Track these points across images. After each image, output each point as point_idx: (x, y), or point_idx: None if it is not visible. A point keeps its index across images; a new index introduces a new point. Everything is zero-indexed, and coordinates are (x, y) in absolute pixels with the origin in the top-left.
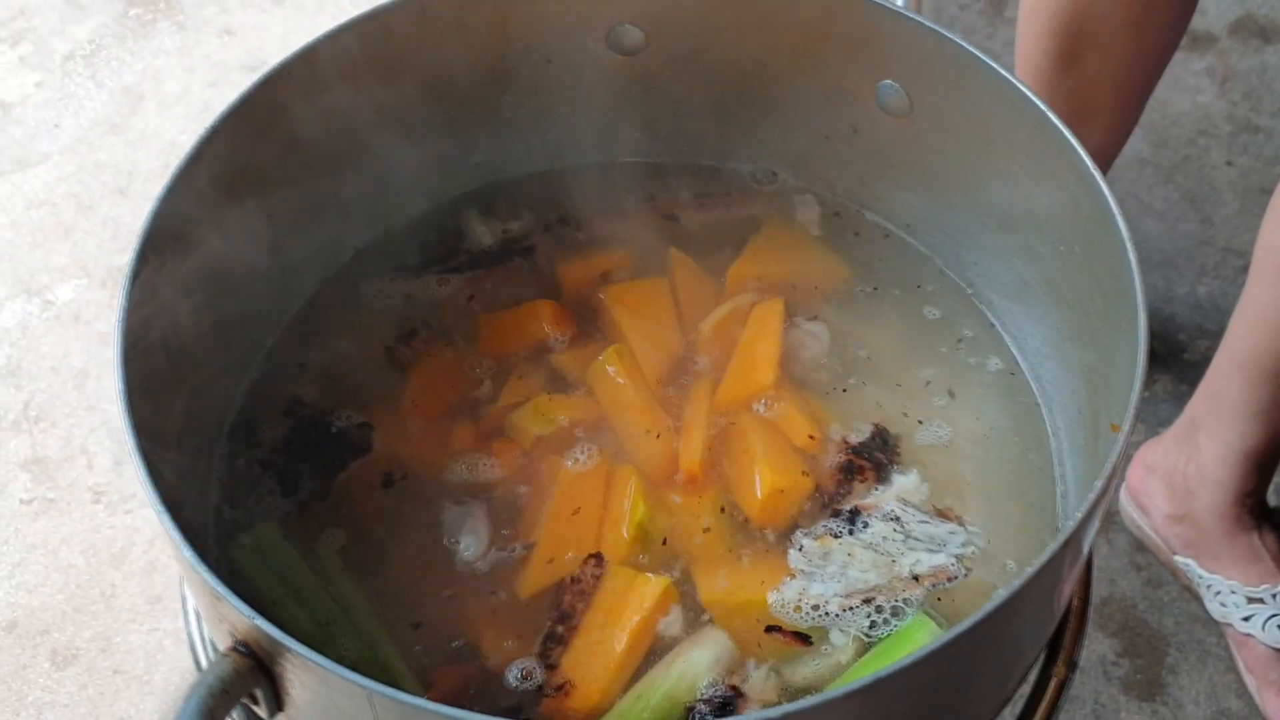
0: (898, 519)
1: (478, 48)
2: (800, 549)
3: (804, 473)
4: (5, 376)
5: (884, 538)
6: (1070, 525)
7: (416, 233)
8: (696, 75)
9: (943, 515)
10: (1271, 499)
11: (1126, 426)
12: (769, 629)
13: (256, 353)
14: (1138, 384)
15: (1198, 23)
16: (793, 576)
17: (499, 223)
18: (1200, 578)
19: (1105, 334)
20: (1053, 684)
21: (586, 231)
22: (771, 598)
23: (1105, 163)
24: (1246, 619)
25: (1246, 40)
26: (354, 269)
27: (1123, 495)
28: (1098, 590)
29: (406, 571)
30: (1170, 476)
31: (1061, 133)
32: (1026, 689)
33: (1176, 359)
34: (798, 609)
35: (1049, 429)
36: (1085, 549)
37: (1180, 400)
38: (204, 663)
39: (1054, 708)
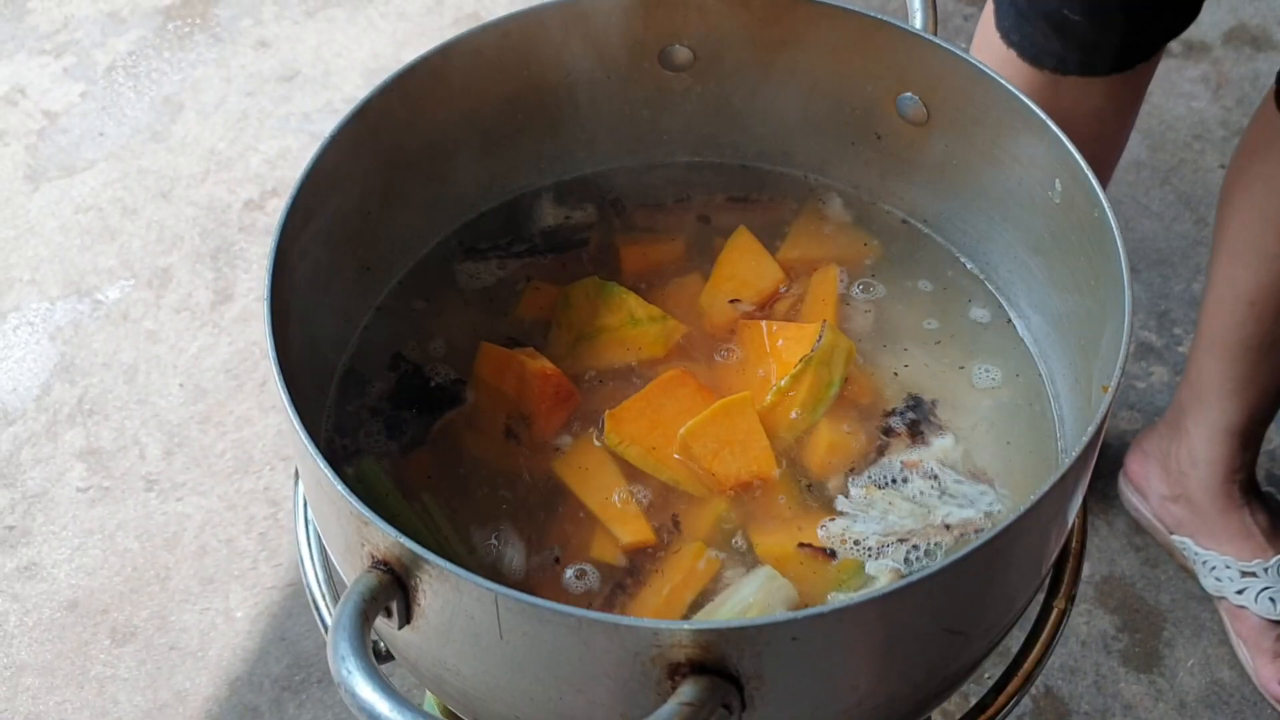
0: (936, 477)
1: (546, 65)
2: (848, 495)
3: (856, 429)
4: (60, 373)
5: (922, 492)
6: (1066, 462)
7: (502, 218)
8: (737, 88)
9: (976, 477)
10: (1263, 484)
11: (1113, 385)
12: (800, 545)
13: (366, 309)
14: (1123, 350)
15: (1193, 32)
16: (836, 517)
17: (564, 211)
18: (1196, 554)
19: (1098, 311)
20: (1054, 614)
21: (639, 222)
22: (819, 533)
23: None
24: (1240, 592)
25: (1239, 48)
26: (449, 244)
27: (1122, 481)
28: (1099, 569)
29: (488, 505)
30: (1164, 460)
31: (1059, 137)
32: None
33: (1172, 352)
34: (842, 542)
35: (1050, 397)
36: (1078, 491)
37: (1175, 391)
38: (323, 609)
39: (1055, 634)
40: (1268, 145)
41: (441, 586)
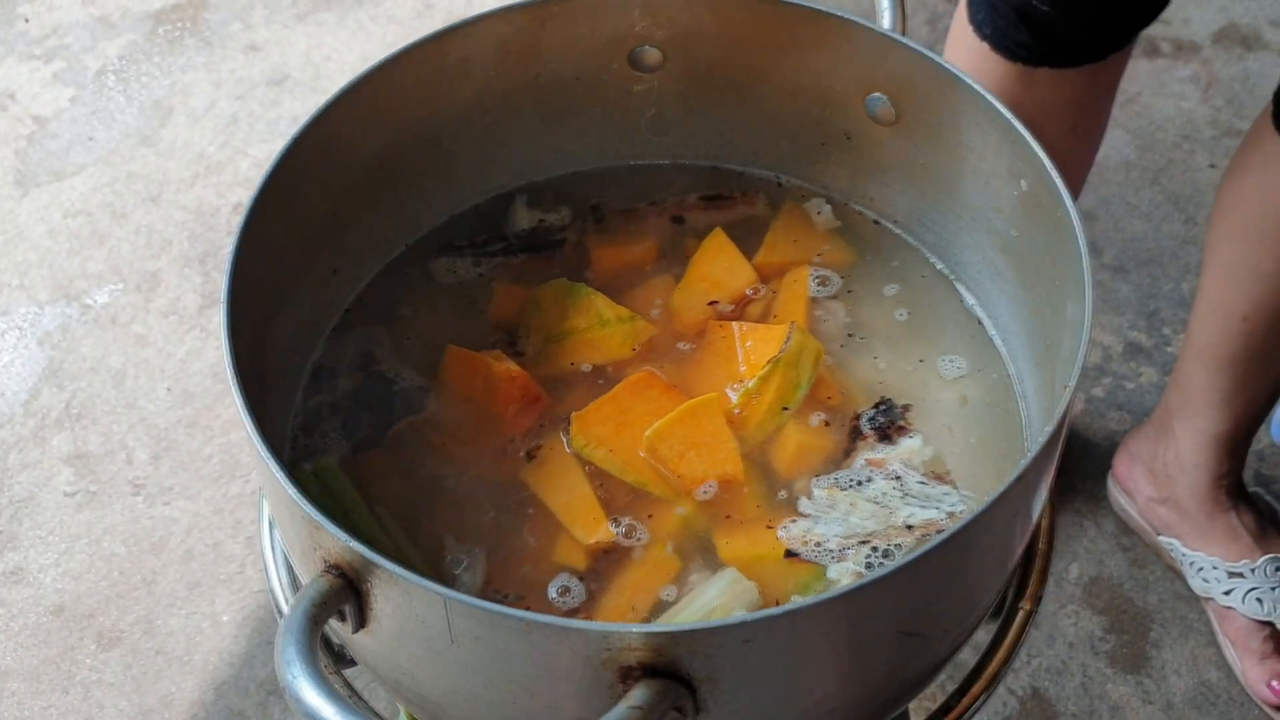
0: (899, 478)
1: (517, 67)
2: (810, 497)
3: (825, 426)
4: (48, 377)
5: (884, 493)
6: (1023, 463)
7: (476, 219)
8: (707, 89)
9: (939, 478)
10: (1251, 484)
11: (1071, 384)
12: (788, 554)
13: (339, 308)
14: (1082, 350)
15: (1182, 32)
16: (798, 519)
17: (538, 213)
18: (1183, 556)
19: (1063, 311)
20: (1020, 615)
21: (612, 223)
22: (780, 534)
23: None
24: (1227, 593)
25: (1229, 48)
26: (423, 245)
27: (1110, 482)
28: (1086, 570)
29: (450, 511)
30: (1151, 463)
31: (1024, 137)
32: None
33: (1161, 352)
34: (804, 543)
35: (1019, 397)
36: (1039, 491)
37: (1163, 391)
38: (284, 605)
39: (1020, 635)
40: (1263, 165)
41: (392, 591)
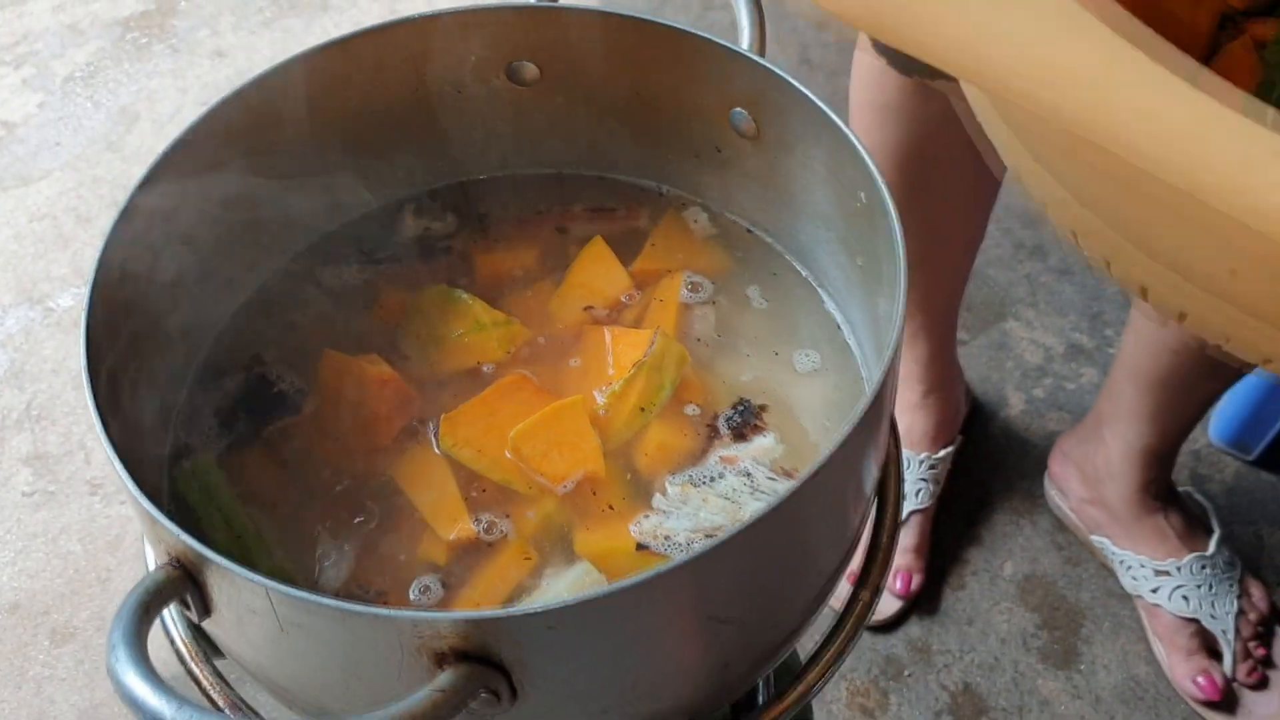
0: (749, 474)
1: (395, 81)
2: (664, 494)
3: (686, 427)
4: (9, 379)
5: (734, 489)
6: (812, 467)
7: (365, 226)
8: (584, 102)
9: (787, 474)
10: (1185, 483)
11: (878, 376)
12: (639, 547)
13: (226, 311)
14: (892, 346)
15: None
16: (651, 514)
17: (425, 221)
18: (1114, 554)
19: (891, 309)
20: (859, 606)
21: (498, 232)
22: (631, 529)
23: (965, 265)
24: (1155, 590)
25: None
26: (313, 253)
27: (1046, 480)
28: (1021, 567)
29: (321, 508)
30: (1082, 465)
31: (859, 151)
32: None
33: (1103, 354)
34: (654, 538)
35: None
36: (849, 487)
37: (1096, 399)
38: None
39: (859, 623)
40: None
41: (223, 582)
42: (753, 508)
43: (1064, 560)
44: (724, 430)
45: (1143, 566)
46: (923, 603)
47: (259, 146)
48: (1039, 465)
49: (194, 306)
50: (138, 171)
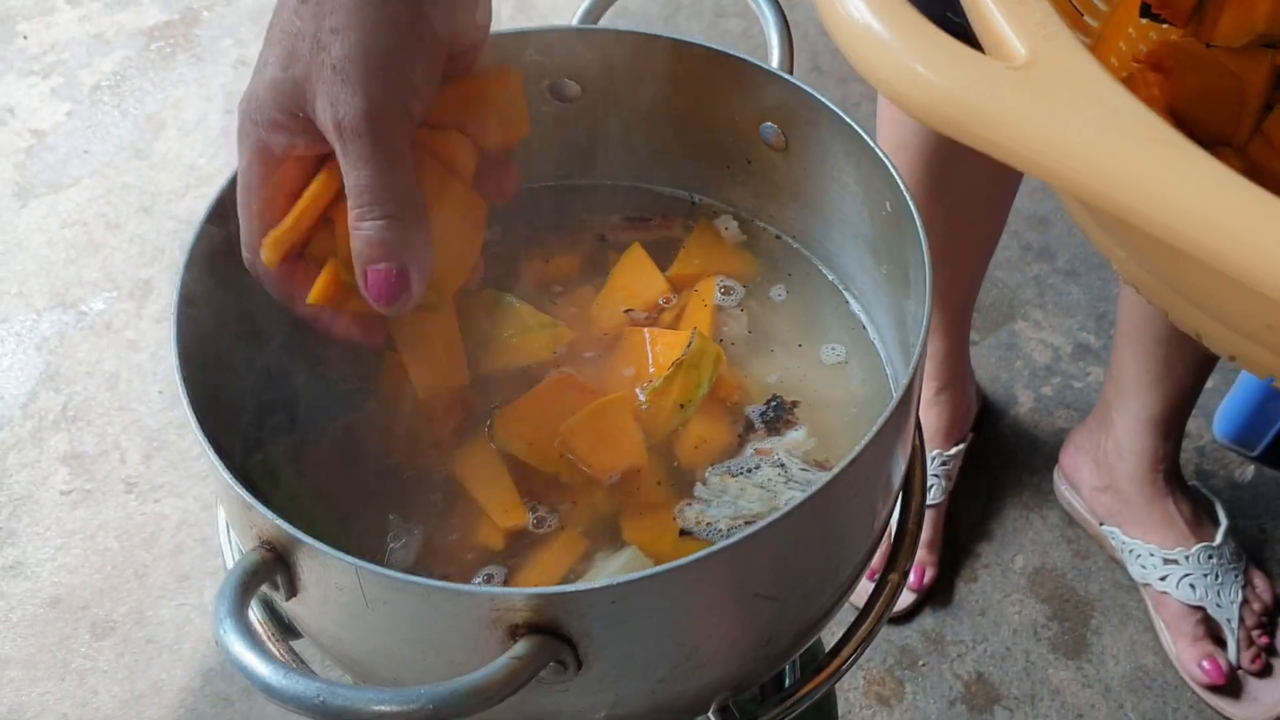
0: (784, 466)
1: None
2: (705, 483)
3: (723, 421)
4: (45, 381)
5: (771, 479)
6: (851, 454)
7: None
8: (622, 117)
9: (820, 465)
10: (1191, 478)
11: (907, 373)
12: (683, 533)
13: (288, 317)
14: (919, 345)
15: None
16: (694, 502)
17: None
18: (1123, 544)
19: (918, 309)
20: (888, 586)
21: (542, 240)
22: (675, 517)
23: (984, 261)
24: (1163, 579)
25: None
26: None
27: (1056, 475)
28: (1031, 560)
29: (386, 498)
30: (1094, 453)
31: (885, 163)
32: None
33: (1109, 352)
34: (697, 524)
35: (893, 393)
36: (882, 475)
37: (1103, 386)
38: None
39: (889, 604)
40: None
41: (313, 563)
42: (787, 496)
43: (1073, 553)
44: (758, 424)
45: (1151, 555)
46: (936, 595)
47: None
48: (1048, 461)
49: (262, 308)
50: (164, 178)
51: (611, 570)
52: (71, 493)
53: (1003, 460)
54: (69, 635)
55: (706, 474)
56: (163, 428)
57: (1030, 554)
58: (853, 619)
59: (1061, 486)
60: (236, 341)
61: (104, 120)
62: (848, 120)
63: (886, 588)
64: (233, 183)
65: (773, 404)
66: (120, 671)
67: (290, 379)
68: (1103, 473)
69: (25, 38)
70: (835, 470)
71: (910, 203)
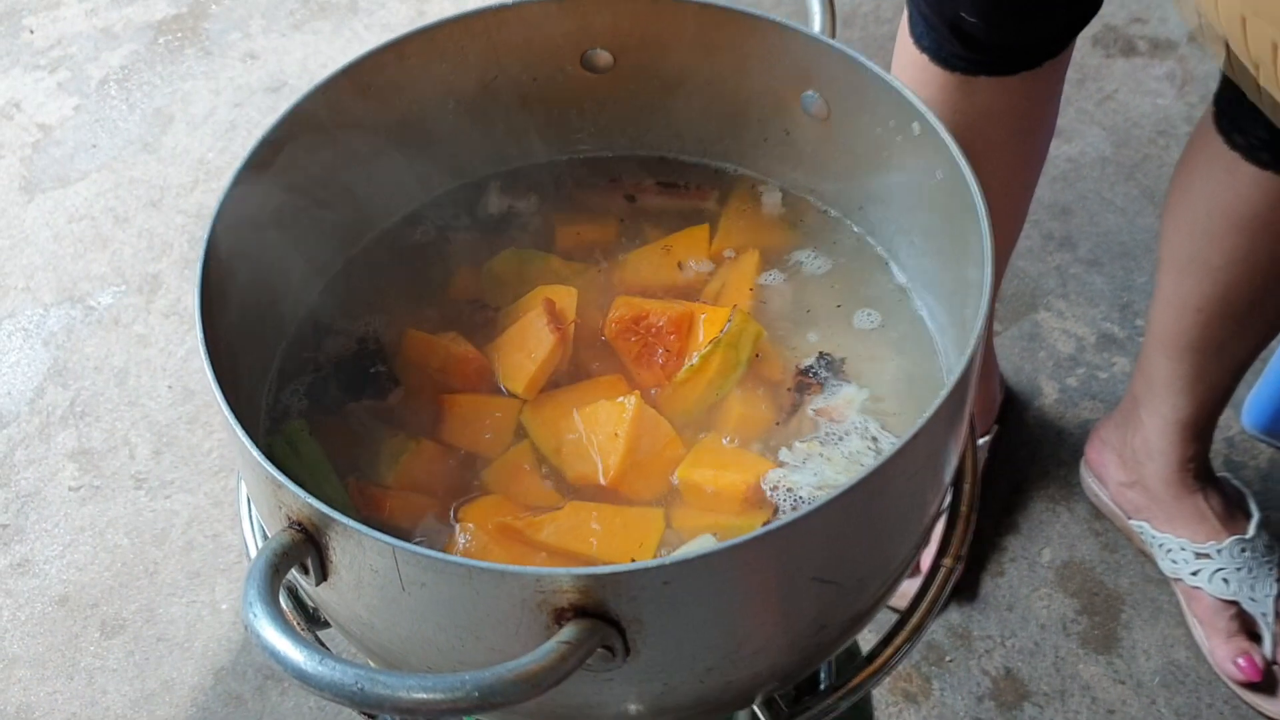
0: (875, 439)
1: (475, 68)
2: (791, 449)
3: (765, 401)
4: (53, 376)
5: (858, 451)
6: (912, 430)
7: (455, 201)
8: (656, 87)
9: None
10: (1220, 469)
11: (970, 349)
12: (759, 503)
13: (310, 291)
14: (983, 311)
15: (1159, 30)
16: (777, 467)
17: (510, 199)
18: (1153, 538)
19: (969, 281)
20: (942, 571)
21: (576, 206)
22: (757, 479)
23: (1007, 250)
24: (1195, 573)
25: (1204, 46)
26: (398, 229)
27: (1082, 467)
28: (1059, 554)
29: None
30: (1120, 449)
31: (939, 131)
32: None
33: (1134, 343)
34: (775, 489)
35: (943, 370)
36: (946, 453)
37: (1130, 381)
38: (254, 549)
39: (942, 590)
40: (1207, 164)
41: (347, 543)
42: None
43: (1101, 546)
44: (812, 379)
45: (1183, 549)
46: (963, 590)
47: (351, 131)
48: (1074, 453)
49: (285, 288)
50: (173, 172)
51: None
52: (80, 489)
53: (1028, 452)
54: (78, 634)
55: (794, 442)
56: (172, 423)
57: (1058, 547)
58: (893, 621)
59: (1088, 480)
60: (259, 315)
61: (112, 114)
62: (896, 86)
63: (940, 573)
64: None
65: (822, 360)
66: (130, 670)
67: (310, 355)
68: (1130, 469)
69: (31, 32)
70: (901, 442)
71: (966, 170)
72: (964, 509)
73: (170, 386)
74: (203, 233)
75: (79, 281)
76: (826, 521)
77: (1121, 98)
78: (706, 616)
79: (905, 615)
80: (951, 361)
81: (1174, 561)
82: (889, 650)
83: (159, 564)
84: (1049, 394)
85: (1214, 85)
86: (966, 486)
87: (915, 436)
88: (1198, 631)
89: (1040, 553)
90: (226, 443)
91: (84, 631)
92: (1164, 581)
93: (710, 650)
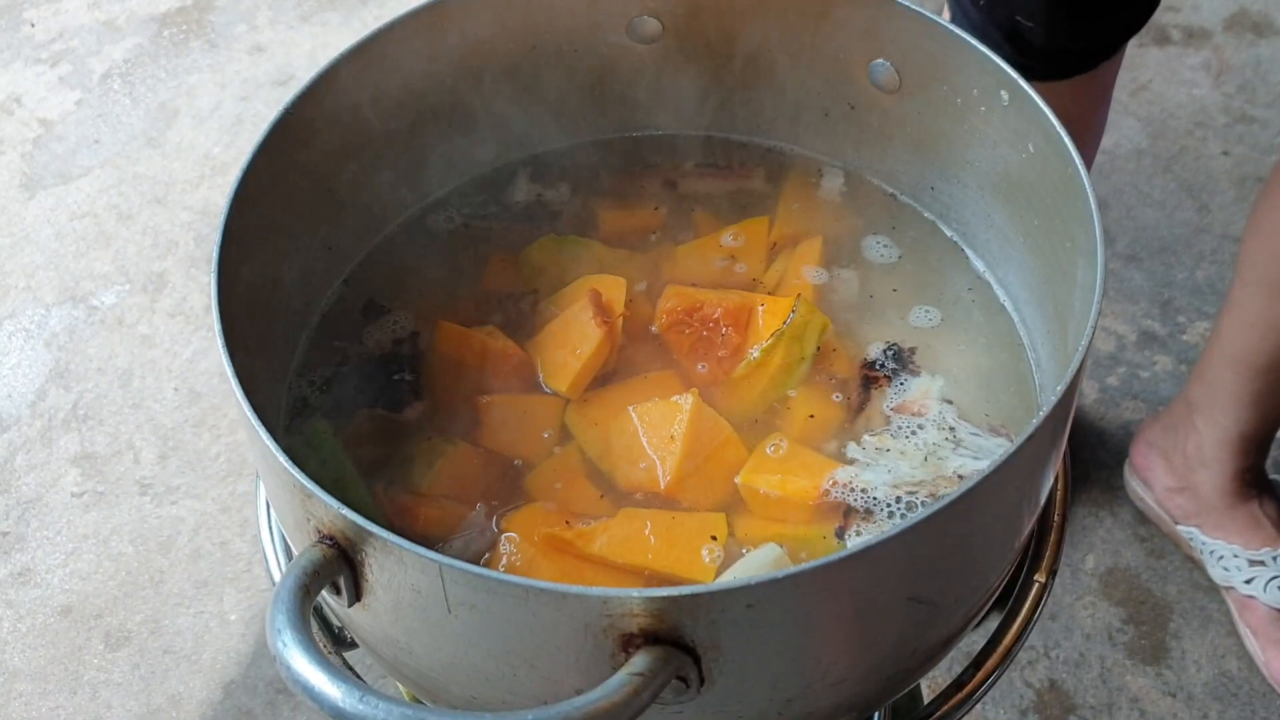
0: (952, 429)
1: (514, 39)
2: (861, 444)
3: (832, 394)
4: (55, 378)
5: (935, 444)
6: (1026, 431)
7: (476, 189)
8: (708, 59)
9: (994, 430)
10: (1273, 472)
11: (1084, 344)
12: (821, 508)
13: (332, 281)
14: (1095, 307)
15: (1193, 19)
16: (847, 465)
17: (539, 187)
18: (1203, 544)
19: (1072, 272)
20: (1035, 588)
21: (616, 190)
22: (827, 484)
23: None
24: (1249, 581)
25: (1240, 35)
26: (424, 215)
27: (1127, 471)
28: (1103, 560)
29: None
30: (1169, 454)
31: (1033, 99)
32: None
33: (1176, 340)
34: (849, 488)
35: (1032, 363)
36: (1049, 458)
37: (1179, 380)
38: (277, 576)
39: (1035, 608)
40: None
41: (386, 560)
42: (956, 464)
43: (1147, 553)
44: (880, 371)
45: (1235, 556)
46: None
47: (374, 105)
48: (1117, 456)
49: (306, 278)
50: (178, 168)
51: (741, 571)
52: (83, 495)
53: (1068, 455)
54: (81, 646)
55: (864, 436)
56: (178, 426)
57: (1101, 554)
58: (1003, 616)
59: (1133, 483)
60: (278, 311)
61: (115, 109)
62: (983, 50)
63: (1033, 589)
64: (279, 125)
65: (890, 351)
66: (135, 684)
67: (334, 348)
68: (1179, 474)
69: (33, 25)
70: (1015, 444)
71: (1068, 143)
72: (1056, 518)
73: (176, 388)
74: (216, 225)
75: (81, 280)
76: (926, 536)
77: (1156, 88)
78: (791, 641)
79: (995, 637)
80: (1041, 355)
81: (1226, 569)
82: (979, 674)
83: (165, 573)
84: (1089, 394)
85: (1250, 75)
86: (1058, 493)
87: (1030, 437)
88: (1251, 642)
89: (1084, 559)
90: (238, 446)
91: (87, 644)
92: (1213, 589)
93: (793, 679)
